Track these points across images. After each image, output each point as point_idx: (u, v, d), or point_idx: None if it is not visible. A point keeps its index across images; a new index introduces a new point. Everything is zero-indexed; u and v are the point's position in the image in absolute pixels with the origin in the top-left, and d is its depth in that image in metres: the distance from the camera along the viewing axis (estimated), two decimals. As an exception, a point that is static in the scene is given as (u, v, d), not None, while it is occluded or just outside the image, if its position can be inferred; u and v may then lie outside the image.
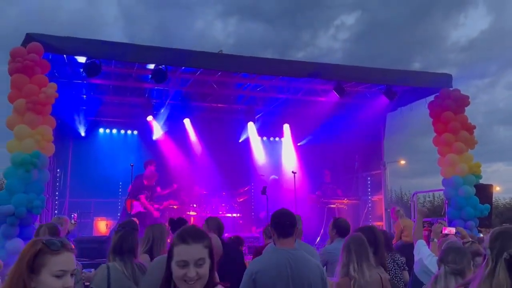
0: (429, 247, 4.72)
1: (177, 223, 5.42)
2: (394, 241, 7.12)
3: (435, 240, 4.96)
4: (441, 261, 3.28)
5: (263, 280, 3.21)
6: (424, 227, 5.49)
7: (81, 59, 8.69)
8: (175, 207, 11.61)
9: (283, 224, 3.43)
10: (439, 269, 3.29)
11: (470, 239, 4.98)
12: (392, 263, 5.01)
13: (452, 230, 5.02)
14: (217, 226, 5.08)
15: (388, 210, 12.04)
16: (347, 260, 3.71)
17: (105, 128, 12.80)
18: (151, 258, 4.27)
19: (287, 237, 3.42)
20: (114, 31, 60.45)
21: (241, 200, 12.71)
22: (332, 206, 11.99)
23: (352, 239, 3.85)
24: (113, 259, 3.76)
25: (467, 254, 3.37)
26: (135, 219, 9.44)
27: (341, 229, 5.30)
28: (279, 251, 3.37)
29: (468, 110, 9.91)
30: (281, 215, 3.52)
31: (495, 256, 1.96)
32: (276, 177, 12.72)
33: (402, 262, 5.07)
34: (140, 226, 10.29)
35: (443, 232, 5.01)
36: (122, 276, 3.65)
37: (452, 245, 3.56)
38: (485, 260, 2.02)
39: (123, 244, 3.80)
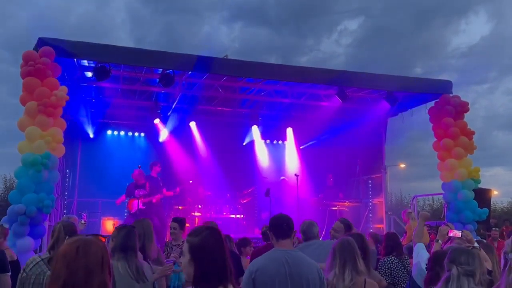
0: (432, 248, 4.69)
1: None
2: (404, 243, 7.02)
3: (440, 241, 4.95)
4: (452, 262, 3.15)
5: (262, 278, 3.27)
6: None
7: (91, 63, 8.77)
8: (180, 207, 11.66)
9: (281, 227, 3.53)
10: (448, 270, 3.20)
11: (473, 244, 4.94)
12: (402, 269, 4.93)
13: (458, 233, 4.99)
14: None
15: (389, 213, 12.06)
16: (331, 265, 3.73)
17: (113, 130, 12.87)
18: (144, 255, 4.25)
19: (285, 238, 3.51)
20: (121, 34, 60.41)
21: (244, 201, 12.74)
22: (333, 208, 12.01)
23: (339, 244, 3.83)
24: (117, 258, 3.66)
25: (476, 256, 3.30)
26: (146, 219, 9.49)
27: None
28: (277, 251, 3.46)
29: (467, 115, 9.92)
30: (278, 219, 3.62)
31: None
32: (285, 178, 12.74)
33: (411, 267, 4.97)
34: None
35: (449, 234, 4.99)
36: (124, 274, 3.59)
37: (460, 247, 3.52)
38: (508, 265, 2.01)
39: (127, 242, 3.73)
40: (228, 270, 2.34)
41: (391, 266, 4.94)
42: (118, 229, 3.94)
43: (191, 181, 12.07)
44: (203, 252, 2.35)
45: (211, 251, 2.35)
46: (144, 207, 10.31)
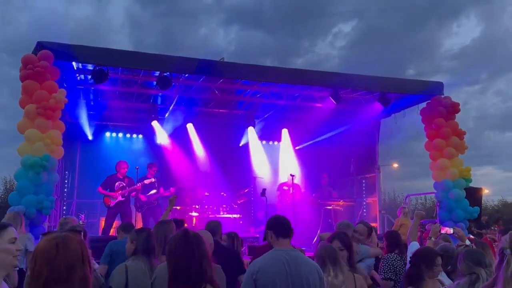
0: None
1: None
2: None
3: (433, 238, 4.97)
4: (478, 264, 3.17)
5: (264, 278, 3.22)
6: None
7: (89, 66, 8.74)
8: (178, 208, 11.62)
9: (282, 226, 3.49)
10: (473, 272, 3.17)
11: (464, 241, 4.97)
12: (404, 266, 4.89)
13: (450, 230, 5.02)
14: (210, 227, 5.22)
15: (382, 211, 12.09)
16: (323, 268, 3.72)
17: (111, 132, 12.84)
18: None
19: (285, 238, 3.47)
20: (120, 38, 60.61)
21: (241, 201, 12.72)
22: (328, 207, 11.99)
23: (323, 249, 3.89)
24: (136, 258, 3.75)
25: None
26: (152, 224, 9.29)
27: None
28: (277, 251, 3.41)
29: (459, 116, 9.96)
30: (278, 218, 3.61)
31: None
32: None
33: None
34: (123, 215, 10.18)
35: (441, 232, 5.01)
36: (140, 274, 3.60)
37: (476, 249, 3.55)
38: (506, 260, 2.00)
39: (148, 244, 3.81)
40: (193, 274, 2.34)
41: (395, 263, 4.93)
42: (137, 232, 4.02)
43: (207, 194, 12.03)
44: (171, 256, 2.39)
45: (177, 256, 2.38)
46: (123, 199, 10.24)
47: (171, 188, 11.03)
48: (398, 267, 4.91)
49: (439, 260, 3.86)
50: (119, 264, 4.35)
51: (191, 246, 2.41)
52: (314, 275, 3.37)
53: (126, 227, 5.66)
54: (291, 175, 11.31)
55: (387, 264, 4.95)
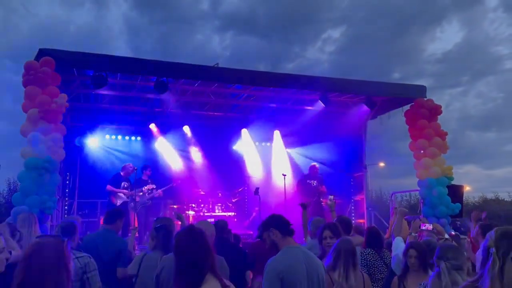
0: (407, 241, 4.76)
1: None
2: (387, 236, 7.05)
3: (413, 234, 5.03)
4: (440, 258, 3.21)
5: (290, 277, 3.11)
6: None
7: (89, 72, 8.73)
8: (175, 206, 11.64)
9: (286, 224, 3.41)
10: (437, 266, 3.24)
11: (443, 236, 5.04)
12: (379, 260, 4.92)
13: (429, 226, 5.09)
14: (220, 225, 5.31)
15: (369, 209, 12.15)
16: (334, 263, 3.70)
17: (110, 134, 12.80)
18: None
19: (291, 235, 3.39)
20: (118, 43, 60.08)
21: (235, 200, 12.74)
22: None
23: (342, 243, 3.81)
24: (155, 252, 3.95)
25: (461, 251, 3.39)
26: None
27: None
28: (293, 249, 3.30)
29: (442, 117, 10.05)
30: (279, 217, 3.50)
31: (502, 254, 1.97)
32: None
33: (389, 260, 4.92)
34: (128, 214, 10.22)
35: (421, 228, 5.08)
36: (152, 265, 3.78)
37: (449, 244, 3.61)
38: (492, 258, 2.00)
39: (167, 242, 3.97)
40: (197, 265, 2.41)
41: (367, 258, 4.96)
42: (156, 229, 4.14)
43: (203, 193, 12.05)
44: (178, 249, 2.50)
45: (183, 250, 2.48)
46: (128, 200, 10.27)
47: (159, 190, 11.01)
48: (370, 261, 4.91)
49: (410, 252, 3.96)
50: None
51: (196, 241, 2.50)
52: (322, 270, 3.35)
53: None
54: (282, 174, 11.34)
55: (360, 259, 4.93)
